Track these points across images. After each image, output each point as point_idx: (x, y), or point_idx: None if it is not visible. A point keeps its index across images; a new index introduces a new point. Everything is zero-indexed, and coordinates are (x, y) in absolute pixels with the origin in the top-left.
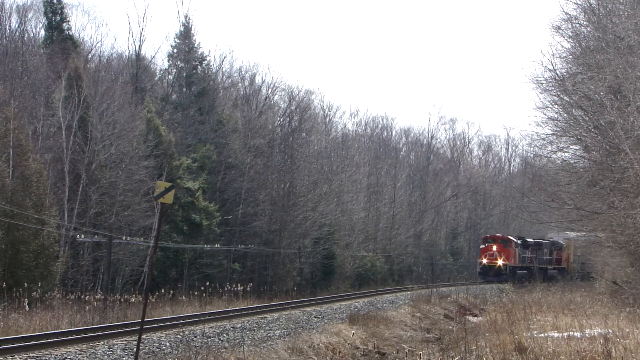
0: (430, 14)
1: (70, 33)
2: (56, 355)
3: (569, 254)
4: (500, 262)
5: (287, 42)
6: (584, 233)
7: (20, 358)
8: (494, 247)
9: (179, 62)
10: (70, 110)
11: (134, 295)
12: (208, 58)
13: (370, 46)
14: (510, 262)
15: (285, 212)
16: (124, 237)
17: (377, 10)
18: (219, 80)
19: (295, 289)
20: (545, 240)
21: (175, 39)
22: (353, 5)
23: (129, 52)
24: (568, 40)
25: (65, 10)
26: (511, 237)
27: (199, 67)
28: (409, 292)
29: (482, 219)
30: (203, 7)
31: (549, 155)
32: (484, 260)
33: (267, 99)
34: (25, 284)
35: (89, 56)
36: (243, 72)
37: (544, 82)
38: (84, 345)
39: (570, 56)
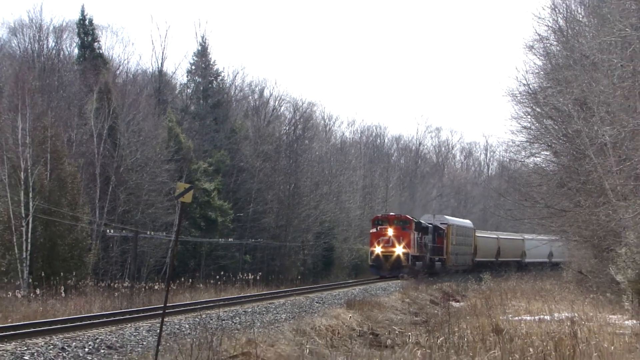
0: (420, 34)
1: (101, 51)
2: (89, 335)
3: (448, 243)
4: (399, 250)
5: (292, 59)
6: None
7: (57, 338)
8: (390, 231)
9: (196, 78)
10: (100, 120)
11: (157, 283)
12: (222, 74)
13: (366, 63)
14: (411, 249)
15: (291, 210)
16: (148, 232)
17: (373, 30)
18: (232, 93)
19: (299, 277)
20: (429, 225)
21: (194, 57)
22: (352, 26)
23: (152, 69)
24: (540, 58)
25: (96, 31)
26: (410, 217)
27: (215, 81)
28: (399, 281)
29: (464, 216)
30: (218, 29)
31: (522, 160)
32: (378, 249)
33: (275, 110)
34: (62, 273)
35: (117, 72)
36: (253, 86)
37: (519, 95)
38: (114, 327)
39: (542, 72)
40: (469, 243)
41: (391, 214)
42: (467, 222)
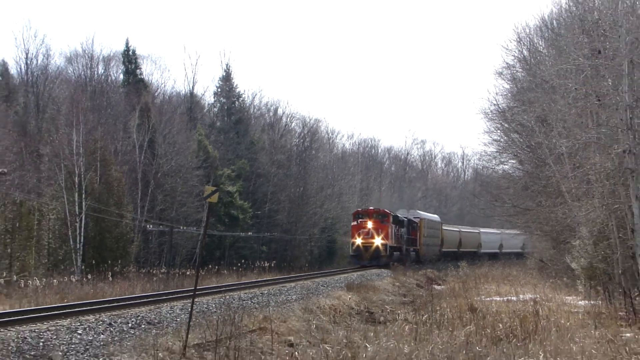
0: (410, 61)
1: (142, 77)
2: (132, 313)
3: (421, 235)
4: (378, 241)
5: (301, 82)
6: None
7: (105, 316)
8: (370, 224)
9: (221, 99)
10: (141, 134)
11: (188, 270)
12: (243, 95)
13: (363, 85)
14: (389, 241)
15: (300, 208)
16: (181, 227)
17: (369, 58)
18: (251, 111)
19: (307, 265)
20: (405, 218)
21: (219, 81)
22: (353, 56)
23: (185, 91)
24: (507, 82)
25: (138, 60)
26: (387, 211)
27: (236, 102)
28: (390, 270)
29: (444, 214)
30: (239, 57)
31: (493, 167)
32: (358, 241)
33: (286, 126)
34: (109, 261)
35: (156, 94)
36: (269, 106)
37: (490, 113)
38: (152, 306)
39: (509, 94)
40: (437, 235)
41: (370, 208)
42: (435, 217)
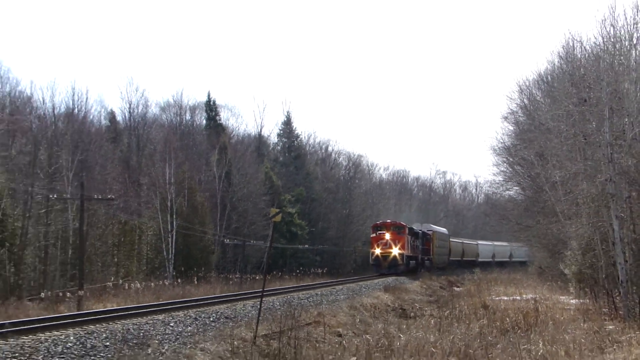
0: (435, 107)
1: (220, 122)
2: (213, 310)
3: (434, 246)
4: (395, 251)
5: (346, 124)
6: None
7: (192, 312)
8: (387, 235)
9: (283, 139)
10: (220, 167)
11: (257, 275)
12: (300, 136)
13: (396, 126)
14: (406, 251)
15: (346, 226)
16: (252, 241)
17: (401, 101)
18: (307, 149)
19: (352, 271)
20: (420, 231)
21: (281, 125)
22: (388, 100)
23: (254, 133)
24: (511, 125)
25: (217, 109)
26: (404, 223)
27: (295, 141)
28: (419, 276)
29: (461, 230)
30: (297, 104)
31: (500, 193)
32: (377, 251)
33: (335, 160)
34: (194, 268)
35: (231, 135)
36: (321, 144)
37: (497, 149)
38: (229, 304)
39: (513, 134)
40: (446, 246)
41: (388, 221)
42: (444, 230)
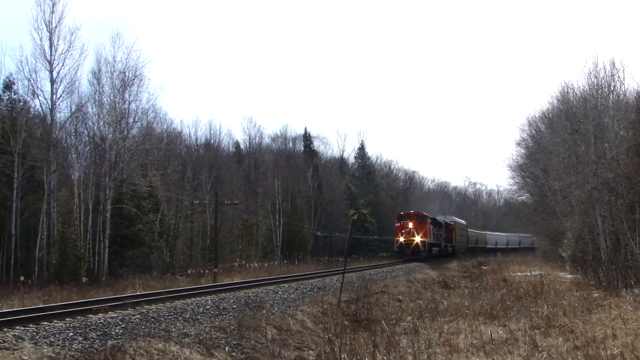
0: (469, 132)
1: (313, 148)
2: (309, 282)
3: (455, 235)
4: (417, 239)
5: (404, 146)
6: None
7: (295, 284)
8: (410, 224)
9: (359, 160)
10: (313, 180)
11: (340, 258)
12: (371, 158)
13: (440, 147)
14: (427, 238)
15: None
16: (336, 233)
17: (442, 128)
18: (375, 167)
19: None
20: (443, 221)
21: (357, 150)
22: (432, 129)
23: (338, 156)
24: (522, 148)
25: (311, 139)
26: (426, 214)
27: (367, 161)
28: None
29: (487, 225)
30: (370, 134)
31: (515, 198)
32: (401, 239)
33: (395, 174)
34: (295, 253)
35: (321, 158)
36: (386, 163)
37: (513, 167)
38: (320, 279)
39: (524, 155)
40: (465, 235)
41: (411, 211)
42: (463, 222)
